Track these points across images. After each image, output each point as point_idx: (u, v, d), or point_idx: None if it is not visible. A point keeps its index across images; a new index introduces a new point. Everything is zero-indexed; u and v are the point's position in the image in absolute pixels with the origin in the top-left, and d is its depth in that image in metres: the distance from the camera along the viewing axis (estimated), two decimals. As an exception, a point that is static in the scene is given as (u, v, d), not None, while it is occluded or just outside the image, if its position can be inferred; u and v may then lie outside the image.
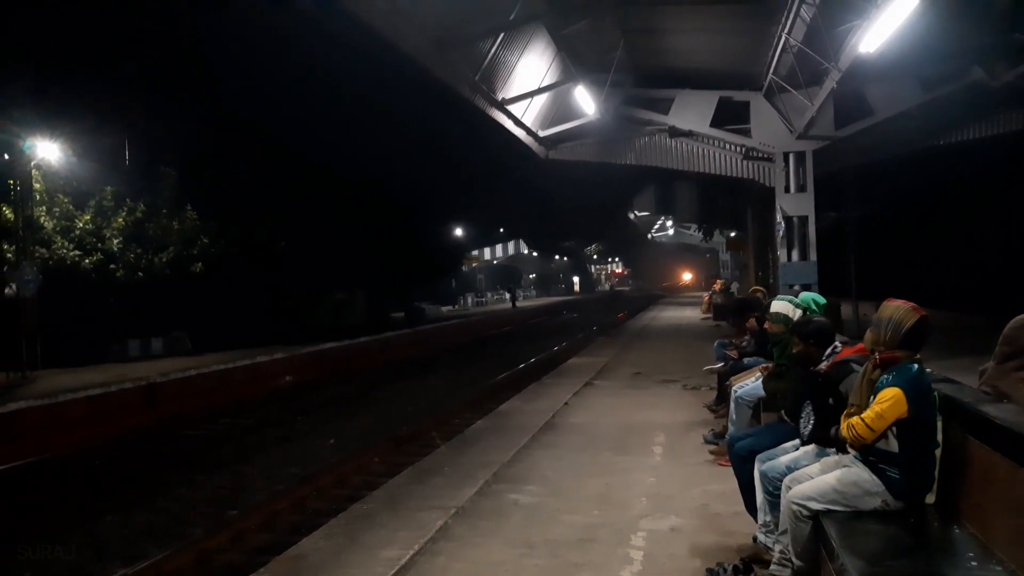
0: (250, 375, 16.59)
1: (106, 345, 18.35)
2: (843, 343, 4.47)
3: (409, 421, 12.33)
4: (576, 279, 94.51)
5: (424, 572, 4.28)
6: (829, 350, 4.32)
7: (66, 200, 18.45)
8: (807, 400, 4.13)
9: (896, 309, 3.51)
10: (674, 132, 18.99)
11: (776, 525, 3.88)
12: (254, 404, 14.80)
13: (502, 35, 15.88)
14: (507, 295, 56.38)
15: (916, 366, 3.47)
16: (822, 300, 5.38)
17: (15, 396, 12.10)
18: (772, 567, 3.77)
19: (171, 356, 18.78)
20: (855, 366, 3.95)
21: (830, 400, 3.96)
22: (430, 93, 17.63)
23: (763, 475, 4.02)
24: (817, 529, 3.48)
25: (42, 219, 17.75)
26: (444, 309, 45.04)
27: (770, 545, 3.99)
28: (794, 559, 3.58)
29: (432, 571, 4.29)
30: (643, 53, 17.63)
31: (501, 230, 63.25)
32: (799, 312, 5.06)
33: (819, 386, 4.08)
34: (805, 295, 5.44)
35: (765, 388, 5.52)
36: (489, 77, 16.57)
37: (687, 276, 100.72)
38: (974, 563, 3.00)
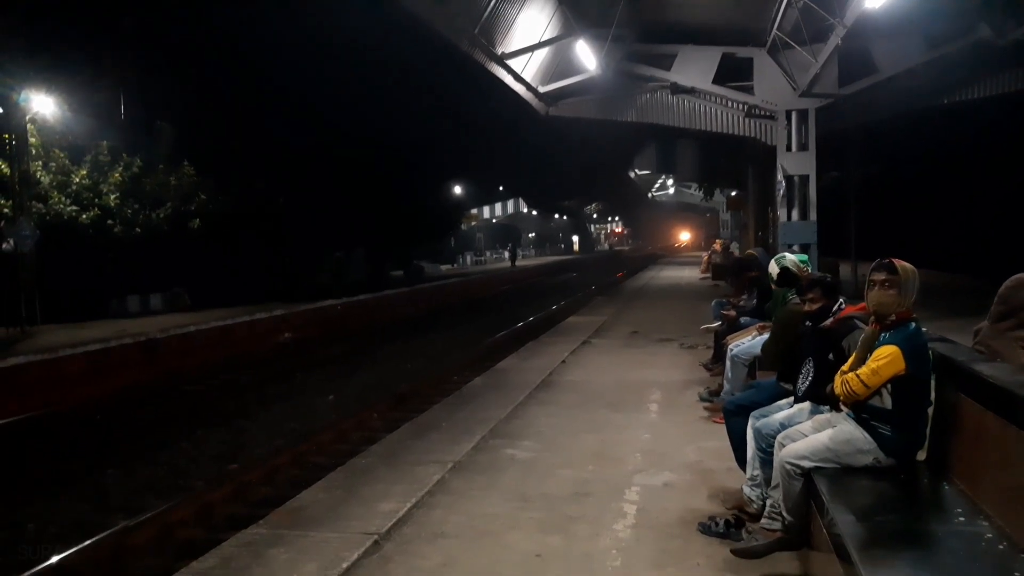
0: (250, 332, 16.65)
1: (105, 301, 18.38)
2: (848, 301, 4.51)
3: (408, 378, 12.41)
4: (576, 238, 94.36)
5: (421, 525, 4.34)
6: (836, 306, 4.32)
7: (62, 155, 18.32)
8: (809, 356, 4.15)
9: (911, 270, 3.50)
10: (676, 89, 18.72)
11: (764, 479, 3.94)
12: (254, 360, 14.87)
13: (502, -13, 15.60)
14: (506, 254, 56.31)
15: (914, 324, 3.49)
16: (804, 258, 5.72)
17: (14, 351, 12.17)
18: (763, 520, 3.83)
19: (170, 312, 18.83)
20: (859, 323, 3.97)
21: (831, 356, 3.98)
22: (429, 47, 17.36)
23: (757, 432, 4.07)
24: (808, 485, 3.52)
25: (38, 174, 17.64)
26: (443, 268, 45.05)
27: (754, 498, 4.07)
28: (785, 514, 3.63)
29: (429, 524, 4.35)
30: (646, 7, 17.30)
31: (501, 188, 62.95)
32: (777, 269, 5.38)
33: (823, 341, 4.09)
34: (789, 256, 5.60)
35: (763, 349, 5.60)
36: (488, 31, 16.30)
37: (684, 236, 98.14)
38: (962, 519, 3.04)
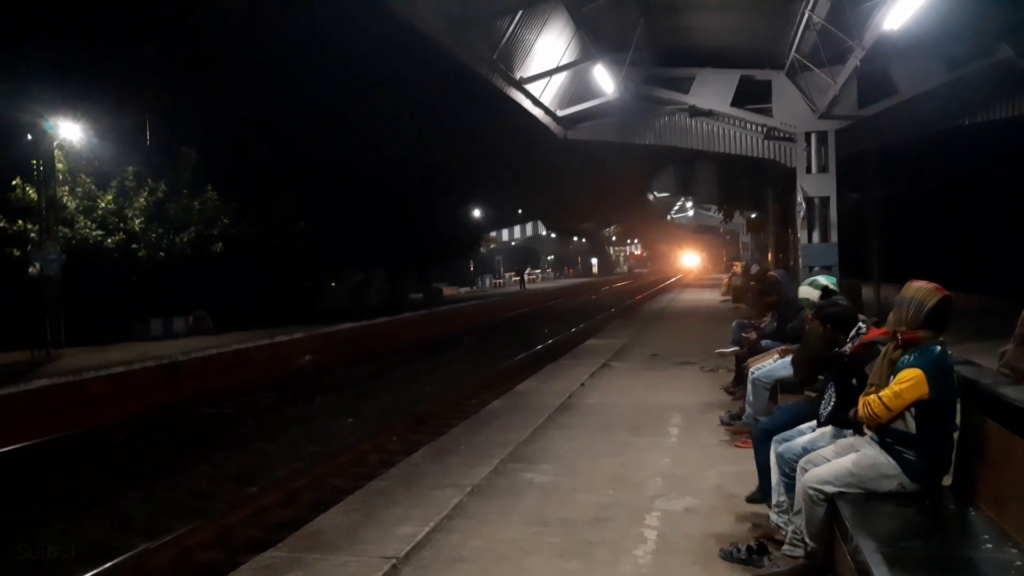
0: (270, 354, 16.75)
1: (129, 324, 18.58)
2: (872, 323, 4.45)
3: (426, 401, 12.40)
4: (594, 261, 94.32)
5: (439, 549, 4.32)
6: (853, 332, 4.28)
7: (88, 180, 18.65)
8: (830, 382, 4.11)
9: (918, 289, 3.48)
10: (694, 112, 18.75)
11: (790, 505, 3.88)
12: (274, 383, 14.94)
13: (520, 13, 15.74)
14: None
15: (939, 348, 3.44)
16: (833, 280, 5.48)
17: (40, 374, 12.32)
18: (785, 547, 3.77)
19: (193, 335, 18.99)
20: (882, 348, 3.92)
21: (853, 381, 3.94)
22: (448, 73, 17.54)
23: (779, 456, 4.01)
24: (831, 511, 3.47)
25: (65, 199, 17.96)
26: (462, 290, 45.12)
27: (782, 525, 3.99)
28: (807, 540, 3.58)
29: (447, 548, 4.33)
30: (663, 31, 17.38)
31: (520, 211, 63.16)
32: (818, 293, 5.13)
33: (844, 367, 4.05)
34: (818, 278, 5.46)
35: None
36: (507, 56, 16.43)
37: (692, 261, 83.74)
38: (989, 545, 2.98)
